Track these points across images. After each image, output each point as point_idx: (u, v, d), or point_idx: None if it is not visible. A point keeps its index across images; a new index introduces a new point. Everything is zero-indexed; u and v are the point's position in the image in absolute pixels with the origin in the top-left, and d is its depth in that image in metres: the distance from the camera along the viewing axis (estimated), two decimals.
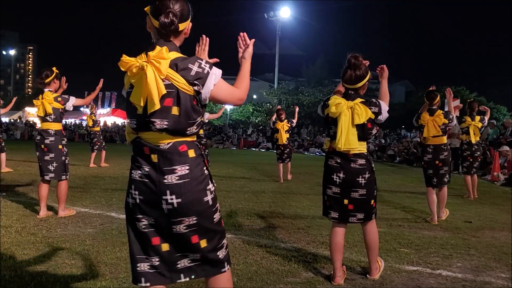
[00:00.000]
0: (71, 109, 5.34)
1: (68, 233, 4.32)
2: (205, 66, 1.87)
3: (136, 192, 1.89)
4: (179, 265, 1.93)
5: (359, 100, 3.13)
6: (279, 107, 10.08)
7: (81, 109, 30.37)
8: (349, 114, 3.11)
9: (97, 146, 11.30)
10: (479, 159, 7.85)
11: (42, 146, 5.07)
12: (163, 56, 1.81)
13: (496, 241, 4.53)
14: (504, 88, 45.48)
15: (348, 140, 3.09)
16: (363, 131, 3.14)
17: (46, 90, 5.11)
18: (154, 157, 1.86)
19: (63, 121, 5.60)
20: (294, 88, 39.36)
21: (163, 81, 1.81)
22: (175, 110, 1.83)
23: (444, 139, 5.49)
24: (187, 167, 1.86)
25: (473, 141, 7.51)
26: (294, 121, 9.60)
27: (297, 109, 10.29)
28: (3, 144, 9.59)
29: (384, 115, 3.17)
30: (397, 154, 17.40)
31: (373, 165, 3.26)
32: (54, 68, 5.17)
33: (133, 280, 1.95)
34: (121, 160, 12.51)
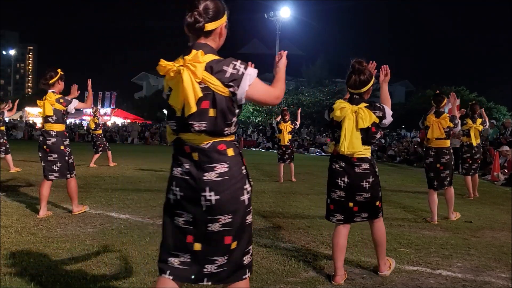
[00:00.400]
0: (73, 111, 5.37)
1: (68, 233, 4.32)
2: (240, 67, 1.88)
3: (177, 189, 1.94)
4: (205, 269, 1.94)
5: (363, 104, 3.17)
6: (285, 108, 10.07)
7: (81, 109, 30.38)
8: (353, 118, 3.15)
9: (101, 148, 11.38)
10: (479, 161, 7.89)
11: (44, 147, 5.09)
12: (199, 59, 1.83)
13: (496, 241, 4.54)
14: (504, 88, 45.52)
15: (352, 143, 3.13)
16: (367, 135, 3.17)
17: (49, 91, 5.12)
18: (195, 155, 1.90)
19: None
20: (294, 88, 39.34)
21: (199, 84, 1.83)
22: (211, 112, 1.86)
23: (447, 143, 5.49)
24: (227, 165, 1.90)
25: (474, 144, 7.55)
26: (297, 123, 9.66)
27: (299, 110, 10.28)
28: (7, 146, 9.67)
29: (389, 119, 3.22)
30: (397, 154, 17.40)
31: (376, 169, 3.30)
32: (58, 70, 5.21)
33: (159, 270, 1.99)
34: (121, 160, 12.51)
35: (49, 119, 5.08)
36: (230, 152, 1.92)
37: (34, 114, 36.49)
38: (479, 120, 7.57)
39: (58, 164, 5.10)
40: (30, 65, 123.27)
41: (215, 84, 1.83)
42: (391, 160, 17.20)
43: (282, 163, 9.38)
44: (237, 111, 1.94)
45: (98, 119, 11.68)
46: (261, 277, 3.22)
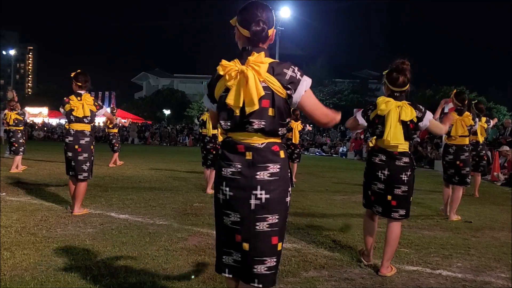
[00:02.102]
0: (100, 115, 5.58)
1: (68, 233, 4.32)
2: (297, 72, 1.99)
3: (227, 189, 1.99)
4: (255, 270, 1.96)
5: (405, 102, 3.41)
6: (296, 111, 10.08)
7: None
8: (397, 112, 3.37)
9: (116, 147, 11.62)
10: (485, 158, 8.05)
11: (76, 146, 5.23)
12: (262, 60, 1.94)
13: (496, 241, 4.54)
14: (504, 88, 45.44)
15: (396, 135, 3.34)
16: (407, 131, 3.39)
17: (82, 92, 5.27)
18: (249, 154, 1.97)
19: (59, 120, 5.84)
20: None
21: (261, 83, 1.94)
22: (271, 111, 1.96)
23: (467, 140, 5.69)
24: (279, 166, 1.98)
25: (481, 141, 7.77)
26: (308, 126, 9.89)
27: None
28: (25, 147, 9.82)
29: (425, 123, 3.43)
30: None
31: (414, 163, 3.50)
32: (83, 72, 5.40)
33: (217, 269, 2.08)
34: (121, 160, 12.49)
35: (84, 119, 5.25)
36: (282, 154, 2.02)
37: (34, 114, 36.49)
38: (483, 118, 7.77)
39: (88, 164, 5.28)
40: (30, 65, 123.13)
41: (276, 84, 1.94)
42: None
43: (290, 162, 9.47)
44: (289, 113, 2.04)
45: (116, 118, 12.01)
46: None
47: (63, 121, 32.43)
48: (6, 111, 9.87)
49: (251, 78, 1.89)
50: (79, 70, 5.38)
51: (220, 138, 2.07)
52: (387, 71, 3.54)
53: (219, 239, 2.07)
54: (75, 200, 5.26)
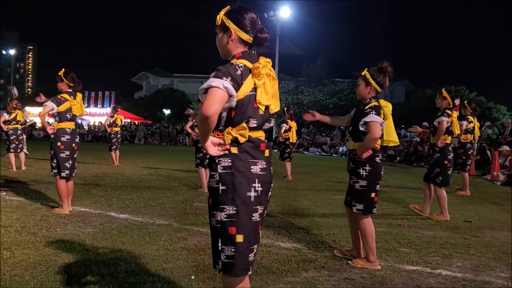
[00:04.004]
0: (84, 113, 5.69)
1: (68, 233, 4.32)
2: None
3: (259, 185, 2.08)
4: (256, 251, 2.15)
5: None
6: (290, 110, 10.11)
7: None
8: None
9: (114, 146, 11.64)
10: (463, 157, 8.14)
11: (73, 145, 5.31)
12: (271, 65, 2.11)
13: (496, 241, 4.54)
14: (504, 88, 45.35)
15: (395, 133, 3.61)
16: None
17: (72, 91, 5.29)
18: (267, 152, 2.14)
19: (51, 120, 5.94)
20: (294, 88, 39.28)
21: None
22: None
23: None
24: None
25: (476, 140, 7.92)
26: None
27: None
28: (20, 145, 9.91)
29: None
30: (397, 153, 17.39)
31: None
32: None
33: (241, 272, 2.05)
34: (121, 159, 12.50)
35: (76, 118, 5.36)
36: None
37: (34, 114, 36.43)
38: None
39: (76, 161, 5.42)
40: (30, 65, 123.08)
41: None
42: (391, 159, 17.18)
43: (289, 161, 9.58)
44: None
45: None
46: (261, 277, 3.22)
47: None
48: (16, 110, 9.89)
49: (276, 80, 2.09)
50: (63, 69, 5.31)
51: (228, 138, 1.98)
52: (368, 72, 3.51)
53: (247, 241, 2.03)
54: (70, 196, 5.38)
